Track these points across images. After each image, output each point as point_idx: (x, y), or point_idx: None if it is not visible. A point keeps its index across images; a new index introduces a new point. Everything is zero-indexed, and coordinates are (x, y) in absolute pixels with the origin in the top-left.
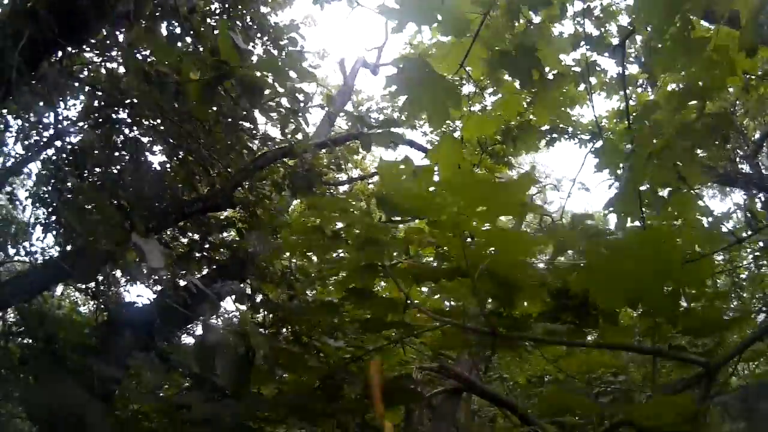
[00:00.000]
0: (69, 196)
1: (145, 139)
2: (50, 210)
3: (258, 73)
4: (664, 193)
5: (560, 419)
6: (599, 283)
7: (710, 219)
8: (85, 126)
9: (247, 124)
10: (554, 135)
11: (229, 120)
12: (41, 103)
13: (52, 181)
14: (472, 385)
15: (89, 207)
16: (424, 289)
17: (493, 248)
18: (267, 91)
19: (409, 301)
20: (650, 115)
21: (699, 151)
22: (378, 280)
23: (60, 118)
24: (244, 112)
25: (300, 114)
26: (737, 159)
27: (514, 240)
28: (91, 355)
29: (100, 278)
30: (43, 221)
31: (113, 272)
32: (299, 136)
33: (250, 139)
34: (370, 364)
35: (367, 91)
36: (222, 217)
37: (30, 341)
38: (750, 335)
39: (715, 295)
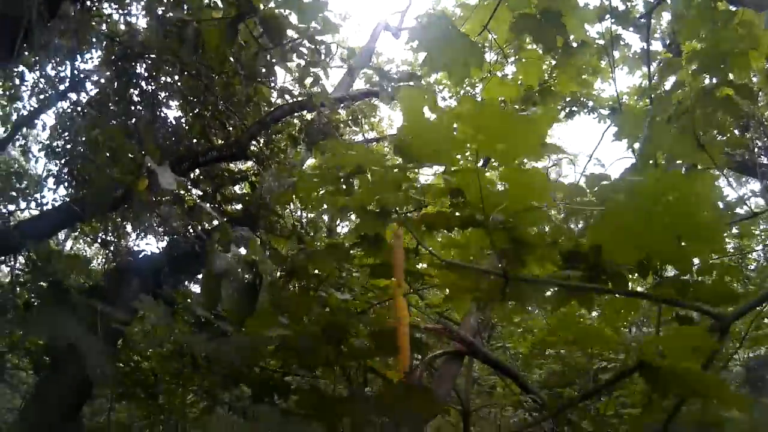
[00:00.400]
0: (82, 149)
1: (162, 94)
2: (63, 162)
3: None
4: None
5: (560, 390)
6: (613, 234)
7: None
8: (102, 79)
9: (266, 75)
10: (574, 108)
11: (248, 71)
12: (59, 54)
13: (66, 135)
14: (475, 349)
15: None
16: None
17: (509, 188)
18: (289, 32)
19: (420, 247)
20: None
21: (718, 137)
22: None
23: (76, 72)
24: (263, 68)
25: (319, 66)
26: (755, 149)
27: (529, 180)
28: (98, 298)
29: (110, 228)
30: (56, 173)
31: (124, 223)
32: (317, 88)
33: (269, 91)
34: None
35: (388, 54)
36: (236, 170)
37: (38, 285)
38: (763, 293)
39: (726, 270)
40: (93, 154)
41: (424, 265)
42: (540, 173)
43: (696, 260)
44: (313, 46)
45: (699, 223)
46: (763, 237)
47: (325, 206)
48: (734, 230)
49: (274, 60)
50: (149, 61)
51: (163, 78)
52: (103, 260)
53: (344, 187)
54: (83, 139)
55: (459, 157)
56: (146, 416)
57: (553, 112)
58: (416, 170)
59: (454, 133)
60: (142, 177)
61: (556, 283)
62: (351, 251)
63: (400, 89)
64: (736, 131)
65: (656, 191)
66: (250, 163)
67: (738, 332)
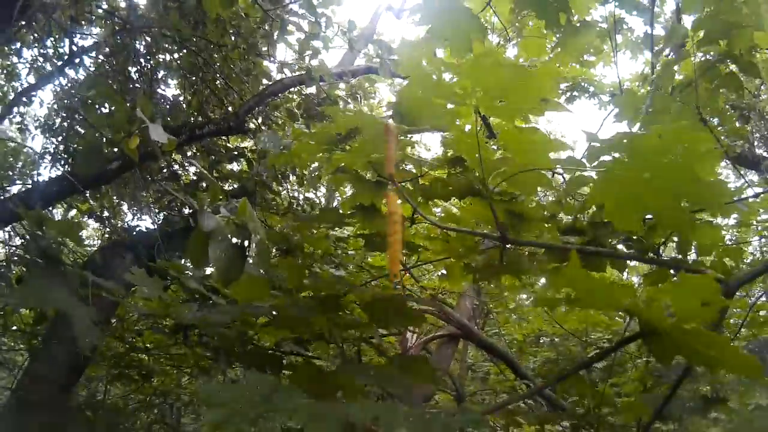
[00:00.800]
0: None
1: (160, 73)
2: (60, 139)
3: None
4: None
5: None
6: (615, 195)
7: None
8: (101, 56)
9: (265, 49)
10: (575, 93)
11: (247, 44)
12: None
13: (62, 114)
14: (470, 333)
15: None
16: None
17: (509, 148)
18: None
19: (416, 215)
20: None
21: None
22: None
23: (74, 48)
24: (263, 38)
25: (320, 39)
26: (755, 143)
27: (529, 139)
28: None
29: (105, 205)
30: (52, 151)
31: (119, 202)
32: (316, 62)
33: (268, 65)
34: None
35: (390, 36)
36: (233, 147)
37: (31, 258)
38: (752, 270)
39: (726, 251)
40: (86, 112)
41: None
42: (540, 132)
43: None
44: (313, 18)
45: (701, 181)
46: (760, 228)
47: (321, 170)
48: (733, 219)
49: (275, 33)
50: (148, 38)
51: (161, 56)
52: (98, 238)
53: (340, 149)
54: (79, 102)
55: (458, 123)
56: (141, 399)
57: (554, 68)
58: (413, 137)
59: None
60: (133, 135)
61: (555, 246)
62: (345, 217)
63: (399, 63)
64: (737, 123)
65: (659, 146)
66: (247, 143)
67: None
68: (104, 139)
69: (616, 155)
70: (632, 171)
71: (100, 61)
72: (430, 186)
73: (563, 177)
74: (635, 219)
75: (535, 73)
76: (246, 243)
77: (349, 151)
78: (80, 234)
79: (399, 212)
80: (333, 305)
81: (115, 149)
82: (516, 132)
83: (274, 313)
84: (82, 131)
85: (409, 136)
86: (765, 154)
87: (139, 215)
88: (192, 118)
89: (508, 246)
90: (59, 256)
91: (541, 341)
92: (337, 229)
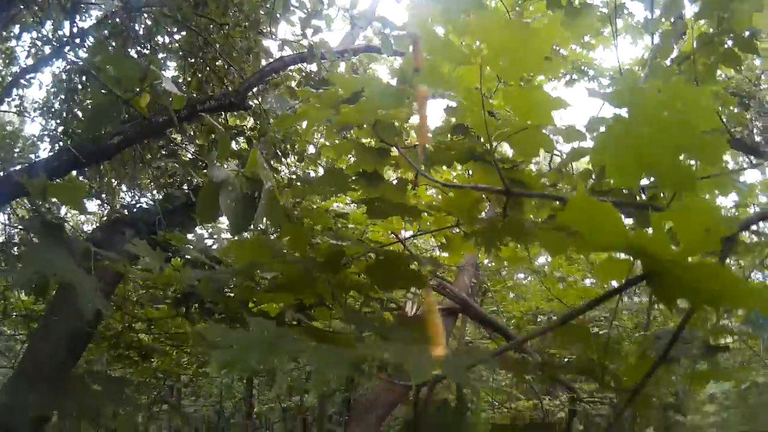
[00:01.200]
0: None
1: (160, 55)
2: (59, 122)
3: None
4: None
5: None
6: (616, 153)
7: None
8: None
9: (267, 28)
10: (575, 76)
11: (249, 21)
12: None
13: (61, 96)
14: (468, 307)
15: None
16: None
17: (511, 109)
18: None
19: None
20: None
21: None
22: (389, 167)
23: (75, 30)
24: (265, 16)
25: (321, 17)
26: (754, 130)
27: (532, 97)
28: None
29: (105, 185)
30: (50, 134)
31: (119, 183)
32: (317, 39)
33: (269, 43)
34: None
35: (390, 18)
36: (232, 126)
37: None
38: (757, 212)
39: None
40: (97, 71)
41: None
42: (541, 90)
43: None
44: None
45: (701, 138)
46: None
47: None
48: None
49: (277, 11)
50: (149, 21)
51: (161, 38)
52: (96, 221)
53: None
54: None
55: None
56: (140, 381)
57: (555, 25)
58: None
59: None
60: (143, 93)
61: (560, 198)
62: (348, 179)
63: (400, 39)
64: (735, 109)
65: (659, 101)
66: (246, 122)
67: None
68: (116, 97)
69: (617, 112)
70: (632, 127)
71: (99, 42)
72: (434, 151)
73: (560, 155)
74: (635, 176)
75: (538, 31)
76: (256, 193)
77: (354, 108)
78: (83, 200)
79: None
80: (335, 265)
81: (124, 114)
82: (518, 90)
83: (277, 275)
84: (81, 115)
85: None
86: (764, 142)
87: (138, 197)
88: (193, 95)
89: (508, 211)
90: (62, 227)
91: (539, 319)
92: (336, 206)
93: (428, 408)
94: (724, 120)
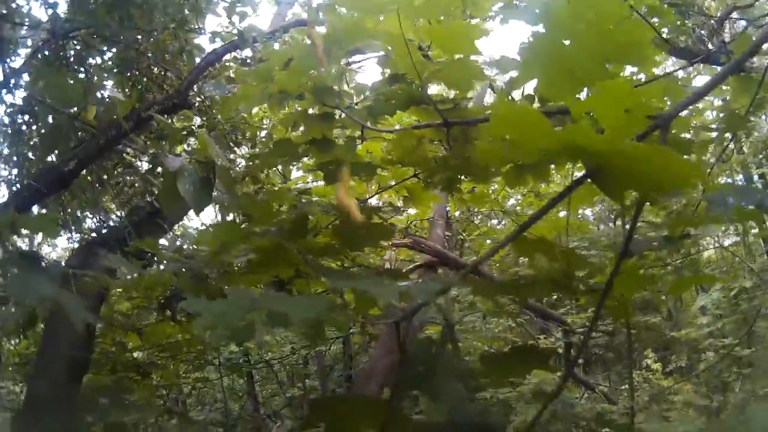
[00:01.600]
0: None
1: (95, 78)
2: (10, 165)
3: None
4: None
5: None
6: (544, 66)
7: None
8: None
9: (194, 25)
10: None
11: (176, 22)
12: None
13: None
14: (447, 259)
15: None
16: None
17: (436, 46)
18: None
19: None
20: None
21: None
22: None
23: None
24: (190, 12)
25: (246, 2)
26: (696, 37)
27: (451, 30)
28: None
29: (68, 215)
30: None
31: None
32: (245, 24)
33: (199, 40)
34: None
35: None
36: (181, 128)
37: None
38: (701, 87)
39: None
40: (42, 96)
41: None
42: (459, 22)
43: None
44: None
45: (625, 45)
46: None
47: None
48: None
49: (201, 5)
50: (78, 46)
51: (92, 60)
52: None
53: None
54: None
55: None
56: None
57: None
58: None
59: None
60: (90, 106)
61: None
62: (299, 149)
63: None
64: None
65: (571, 12)
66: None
67: None
68: (64, 115)
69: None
70: (551, 42)
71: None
72: (375, 104)
73: (493, 89)
74: (570, 90)
75: None
76: (210, 175)
77: (287, 72)
78: (56, 227)
79: None
80: (301, 230)
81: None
82: (437, 26)
83: (251, 257)
84: (31, 156)
85: (345, 62)
86: (711, 47)
87: (103, 220)
88: (136, 106)
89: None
90: (38, 255)
91: (520, 261)
92: (299, 185)
93: (413, 344)
94: (666, 30)
